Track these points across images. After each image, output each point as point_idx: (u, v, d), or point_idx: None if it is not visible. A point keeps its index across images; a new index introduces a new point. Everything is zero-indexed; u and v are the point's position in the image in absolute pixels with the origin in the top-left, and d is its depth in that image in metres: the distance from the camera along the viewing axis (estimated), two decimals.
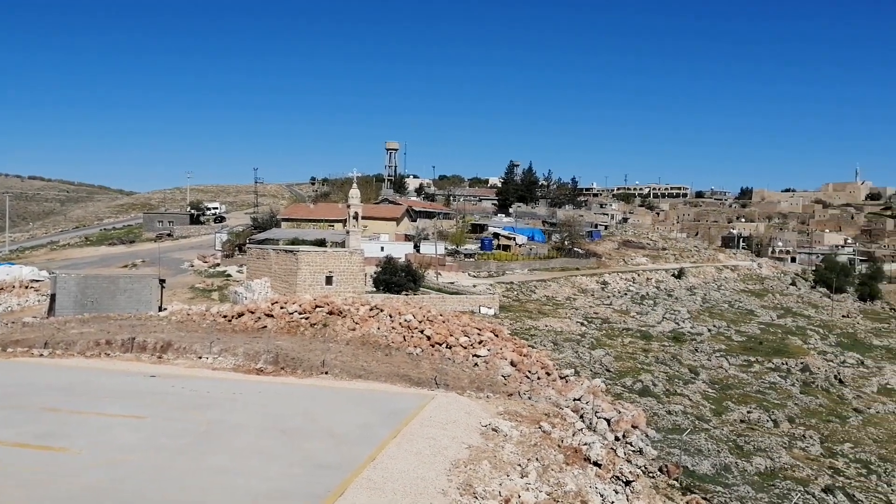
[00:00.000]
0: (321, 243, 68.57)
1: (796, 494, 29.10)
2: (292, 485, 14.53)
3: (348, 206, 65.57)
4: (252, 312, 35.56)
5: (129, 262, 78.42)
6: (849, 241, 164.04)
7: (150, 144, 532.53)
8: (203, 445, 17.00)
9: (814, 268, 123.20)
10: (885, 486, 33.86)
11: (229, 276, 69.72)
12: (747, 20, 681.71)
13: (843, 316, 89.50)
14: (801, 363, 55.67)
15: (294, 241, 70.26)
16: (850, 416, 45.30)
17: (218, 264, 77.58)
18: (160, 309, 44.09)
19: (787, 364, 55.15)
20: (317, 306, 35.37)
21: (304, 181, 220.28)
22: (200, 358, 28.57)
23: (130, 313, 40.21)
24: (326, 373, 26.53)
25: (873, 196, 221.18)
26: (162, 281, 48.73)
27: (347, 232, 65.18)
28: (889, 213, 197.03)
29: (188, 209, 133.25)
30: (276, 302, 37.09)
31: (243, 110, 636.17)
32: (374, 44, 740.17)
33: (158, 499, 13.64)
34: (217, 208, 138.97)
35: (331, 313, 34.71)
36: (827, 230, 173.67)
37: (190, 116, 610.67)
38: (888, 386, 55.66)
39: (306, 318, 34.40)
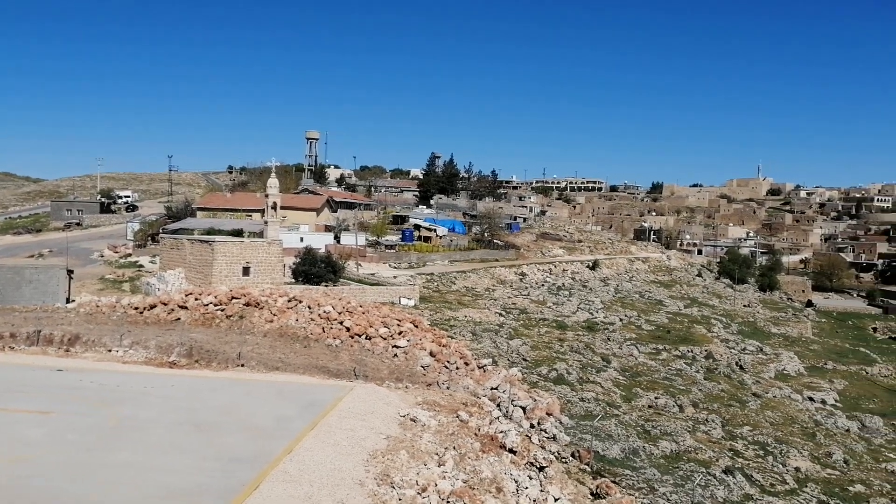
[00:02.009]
0: (238, 233, 67.23)
1: (699, 476, 30.70)
2: (206, 479, 14.37)
3: (266, 196, 64.53)
4: (165, 304, 34.58)
5: (35, 251, 74.91)
6: (751, 234, 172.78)
7: (60, 130, 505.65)
8: (112, 441, 16.56)
9: (718, 260, 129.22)
10: (781, 466, 36.12)
11: (141, 266, 67.50)
12: (657, 14, 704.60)
13: (744, 306, 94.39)
14: (706, 351, 58.49)
15: (210, 231, 68.56)
16: (749, 400, 47.98)
17: (130, 255, 74.96)
18: (68, 301, 42.39)
19: (692, 352, 57.83)
20: (233, 297, 34.68)
21: (221, 170, 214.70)
22: (110, 351, 27.66)
23: (36, 305, 38.46)
24: (243, 365, 26.16)
25: (774, 192, 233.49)
26: (70, 271, 46.79)
27: (266, 222, 64.10)
28: (788, 207, 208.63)
29: (99, 197, 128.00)
30: (191, 293, 36.16)
31: (157, 96, 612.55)
32: (295, 31, 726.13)
33: (64, 496, 13.25)
34: (129, 197, 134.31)
35: (248, 305, 34.12)
36: (731, 224, 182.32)
37: (101, 101, 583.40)
38: (784, 372, 59.25)
39: (222, 310, 33.70)
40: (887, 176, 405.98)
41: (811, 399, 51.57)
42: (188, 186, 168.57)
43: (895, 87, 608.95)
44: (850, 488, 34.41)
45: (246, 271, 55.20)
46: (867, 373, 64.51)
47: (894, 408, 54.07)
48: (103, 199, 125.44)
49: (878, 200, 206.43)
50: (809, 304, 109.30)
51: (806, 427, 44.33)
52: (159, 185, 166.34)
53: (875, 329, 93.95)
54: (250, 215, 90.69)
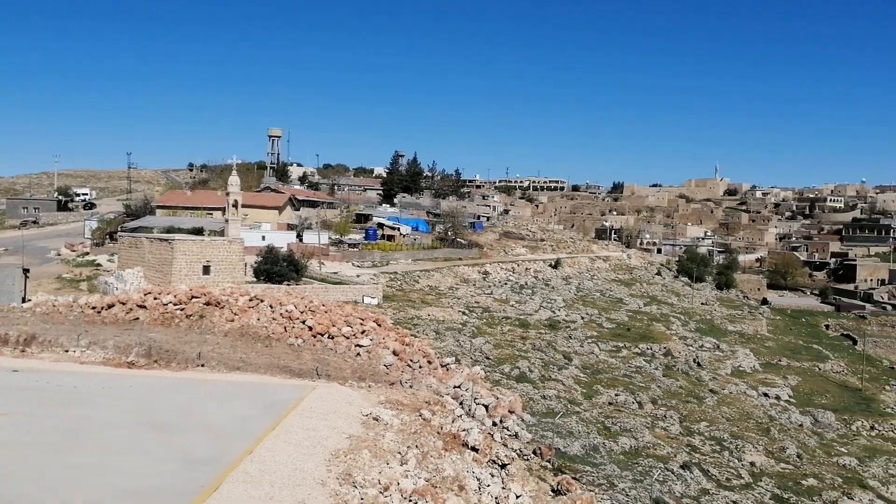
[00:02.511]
0: (199, 232, 66.50)
1: (657, 471, 31.26)
2: (165, 481, 14.21)
3: (227, 194, 64.01)
4: (123, 303, 34.02)
5: None
6: (708, 233, 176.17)
7: (16, 126, 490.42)
8: (70, 442, 16.27)
9: (677, 258, 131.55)
10: (737, 461, 36.95)
11: (99, 265, 66.35)
12: (615, 14, 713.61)
13: (702, 303, 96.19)
14: (664, 348, 59.49)
15: (169, 230, 67.66)
16: (706, 396, 48.96)
17: (87, 253, 73.58)
18: (24, 300, 41.48)
19: (651, 349, 58.75)
20: (193, 297, 34.26)
21: (182, 167, 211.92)
22: (67, 351, 27.12)
23: None
24: (203, 365, 25.89)
25: (730, 192, 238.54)
26: (26, 270, 45.79)
27: (226, 220, 63.53)
28: (744, 207, 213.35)
29: (55, 195, 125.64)
30: (150, 292, 35.62)
31: (116, 92, 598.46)
32: (258, 27, 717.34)
33: (20, 499, 13.01)
34: (87, 194, 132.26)
35: (208, 304, 33.75)
36: (689, 223, 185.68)
37: (59, 96, 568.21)
38: (740, 368, 60.59)
39: (182, 310, 33.28)
40: (840, 177, 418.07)
41: (766, 395, 52.86)
42: (147, 184, 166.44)
43: (849, 89, 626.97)
44: (804, 482, 35.40)
45: (206, 270, 54.57)
46: (820, 369, 66.37)
47: (846, 403, 55.75)
48: (60, 197, 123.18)
49: (830, 201, 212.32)
50: (765, 301, 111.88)
51: (761, 422, 45.42)
52: (118, 183, 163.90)
53: (827, 326, 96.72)
54: (211, 213, 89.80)
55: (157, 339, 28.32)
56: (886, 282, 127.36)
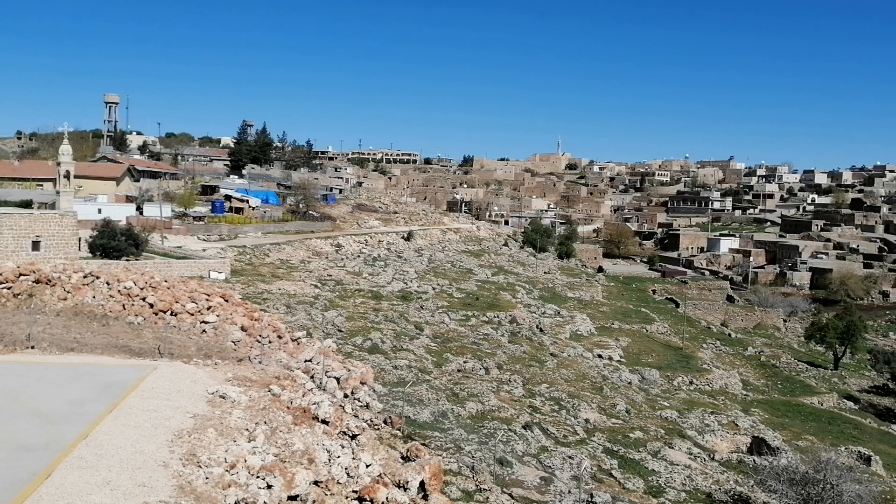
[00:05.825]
0: (27, 205, 62.05)
1: (501, 432, 32.95)
2: None
3: (59, 164, 60.13)
4: None
5: None
6: (551, 206, 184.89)
7: None
8: None
9: (523, 230, 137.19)
10: (573, 419, 39.51)
11: None
12: None
13: (545, 272, 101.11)
14: (510, 316, 62.04)
15: None
16: (547, 360, 51.78)
17: None
18: None
19: (498, 317, 61.07)
20: (21, 274, 31.81)
21: (9, 136, 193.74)
22: None
23: None
24: (33, 347, 24.32)
25: (571, 166, 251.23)
26: None
27: (58, 192, 59.46)
28: (583, 181, 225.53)
29: None
30: None
31: None
32: None
33: None
34: None
35: (38, 282, 31.48)
36: (534, 196, 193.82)
37: None
38: (578, 332, 64.59)
39: (8, 288, 30.86)
40: (667, 153, 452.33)
41: (600, 356, 56.76)
42: None
43: (676, 70, 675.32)
44: (631, 435, 38.47)
45: (36, 246, 50.77)
46: (647, 331, 72.10)
47: (669, 361, 61.11)
48: None
49: (658, 175, 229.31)
50: (600, 269, 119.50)
51: (595, 382, 48.76)
52: None
53: (654, 291, 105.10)
54: (41, 185, 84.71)
55: None
56: (705, 249, 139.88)
